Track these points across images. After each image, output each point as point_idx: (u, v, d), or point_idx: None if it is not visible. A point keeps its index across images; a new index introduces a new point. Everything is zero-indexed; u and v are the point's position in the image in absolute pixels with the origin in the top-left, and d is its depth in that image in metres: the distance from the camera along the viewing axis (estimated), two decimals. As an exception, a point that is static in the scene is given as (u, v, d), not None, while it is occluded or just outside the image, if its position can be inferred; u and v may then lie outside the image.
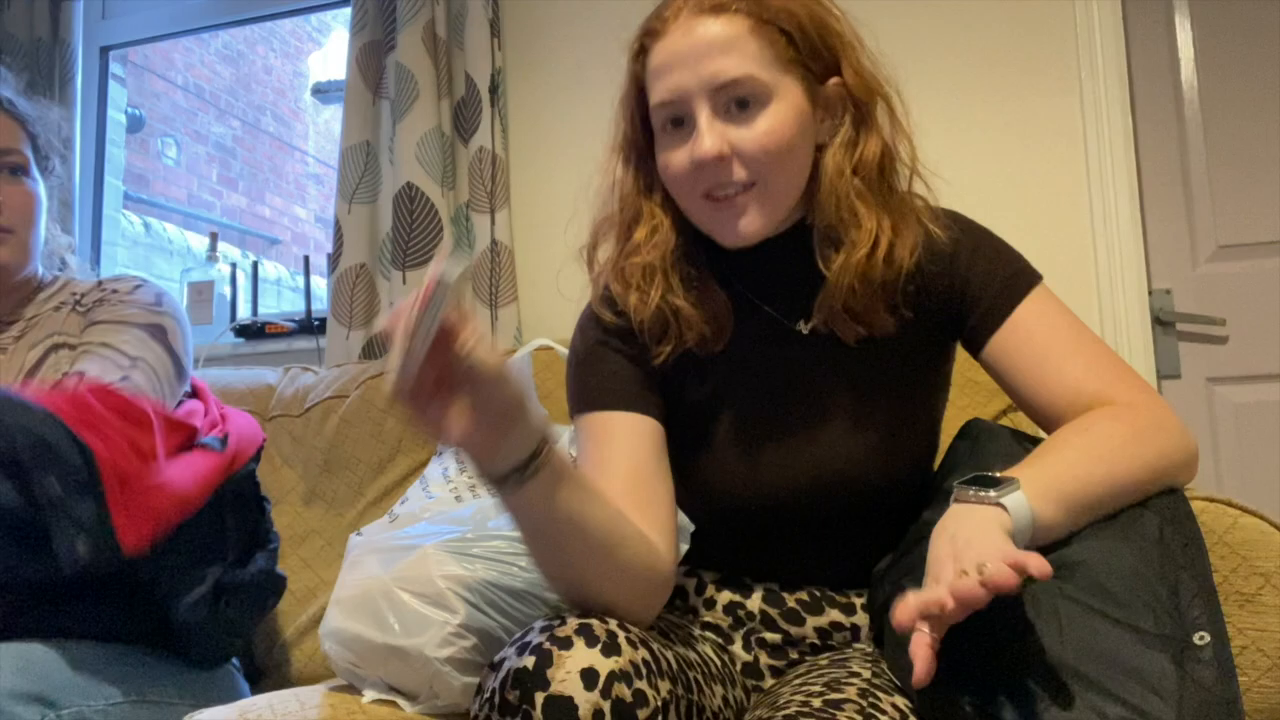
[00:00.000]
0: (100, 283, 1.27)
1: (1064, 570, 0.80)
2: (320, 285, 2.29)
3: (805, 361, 0.95)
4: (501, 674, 0.72)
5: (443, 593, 0.90)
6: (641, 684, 0.72)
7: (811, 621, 0.98)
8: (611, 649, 0.72)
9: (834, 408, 0.94)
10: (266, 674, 1.45)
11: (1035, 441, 0.90)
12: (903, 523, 0.95)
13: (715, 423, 0.97)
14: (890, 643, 0.89)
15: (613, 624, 0.75)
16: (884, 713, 0.78)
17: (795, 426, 0.95)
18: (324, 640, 0.99)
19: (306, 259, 2.33)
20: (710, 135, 0.85)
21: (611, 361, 0.95)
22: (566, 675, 0.70)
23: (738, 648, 0.99)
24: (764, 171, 0.87)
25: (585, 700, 0.69)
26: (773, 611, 0.99)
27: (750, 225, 0.89)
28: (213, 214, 5.42)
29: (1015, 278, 0.93)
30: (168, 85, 5.33)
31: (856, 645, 0.98)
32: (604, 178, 1.00)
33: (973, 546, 0.70)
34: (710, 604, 1.01)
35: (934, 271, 0.94)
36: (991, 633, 0.79)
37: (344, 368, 1.79)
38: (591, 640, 0.72)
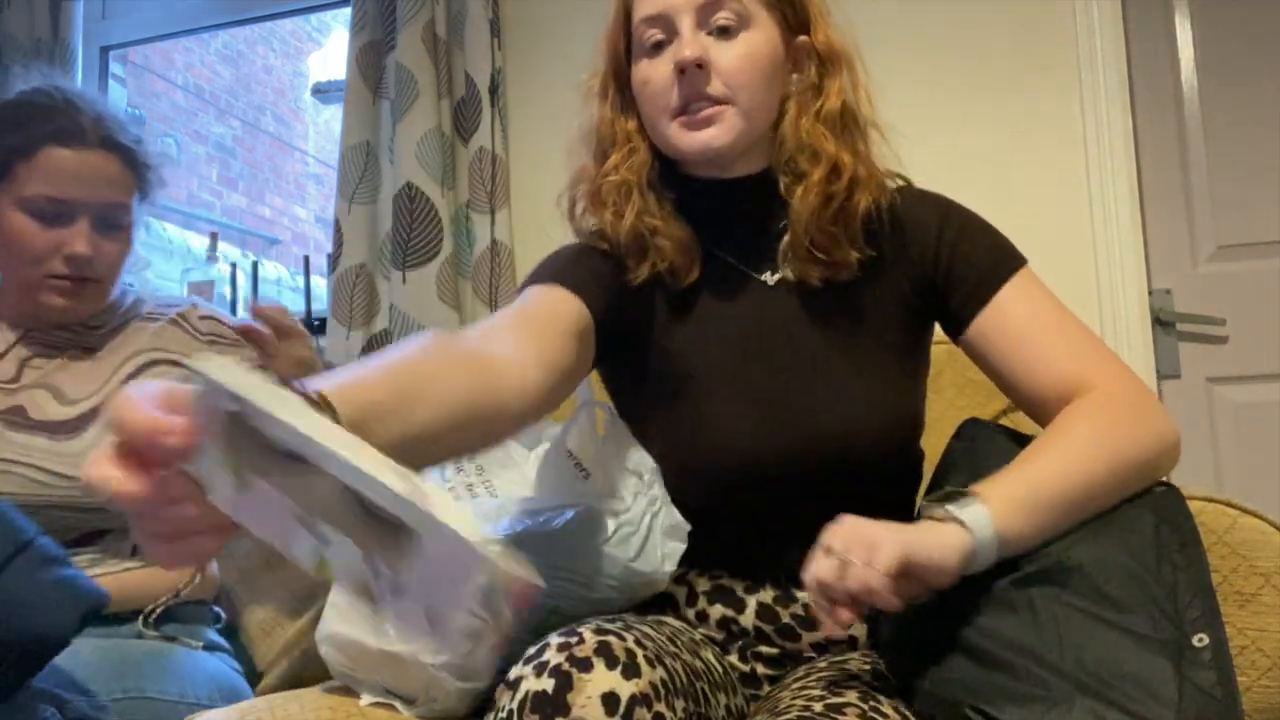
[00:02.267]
0: (195, 306, 1.31)
1: (1062, 575, 0.80)
2: (320, 285, 2.29)
3: (773, 313, 0.96)
4: (520, 695, 0.70)
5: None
6: (660, 705, 0.71)
7: (807, 638, 0.96)
8: (631, 670, 0.71)
9: (806, 361, 0.94)
10: (266, 676, 1.45)
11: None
12: (891, 510, 0.93)
13: (685, 379, 0.96)
14: (889, 644, 0.89)
15: (630, 640, 0.74)
16: (886, 716, 0.78)
17: (766, 382, 0.94)
18: (320, 643, 0.99)
19: (306, 259, 2.33)
20: (692, 43, 0.89)
21: (575, 257, 0.98)
22: (587, 700, 0.68)
23: (734, 659, 0.97)
24: (738, 92, 0.90)
25: None
26: (767, 628, 0.96)
27: (718, 137, 0.91)
28: (213, 214, 5.42)
29: (999, 261, 0.93)
30: (168, 85, 5.33)
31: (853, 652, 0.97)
32: (583, 120, 1.02)
33: (883, 545, 0.70)
34: (702, 618, 0.98)
35: (916, 241, 0.95)
36: (990, 638, 0.79)
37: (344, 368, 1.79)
38: (611, 662, 0.71)
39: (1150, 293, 1.74)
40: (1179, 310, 1.76)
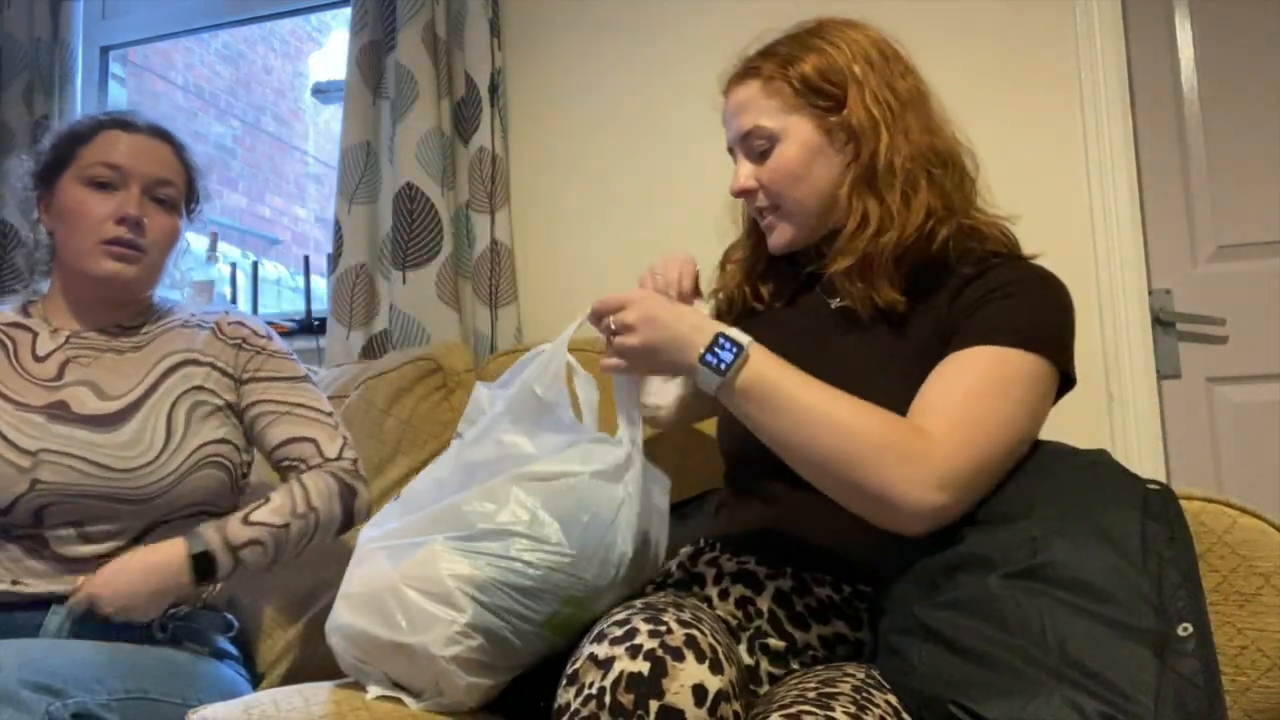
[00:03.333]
0: (228, 314, 1.38)
1: (1048, 571, 0.81)
2: (320, 285, 2.30)
3: (829, 328, 1.10)
4: (614, 674, 0.74)
5: (450, 591, 0.91)
6: (736, 704, 0.76)
7: (816, 630, 0.99)
8: (717, 666, 0.76)
9: (841, 367, 1.02)
10: (267, 677, 1.46)
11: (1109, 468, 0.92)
12: None
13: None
14: (884, 650, 0.91)
15: (709, 635, 0.78)
16: (876, 706, 0.81)
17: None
18: (330, 635, 0.99)
19: (306, 259, 2.33)
20: (741, 174, 1.11)
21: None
22: (680, 688, 0.73)
23: (742, 649, 0.99)
24: (779, 198, 1.09)
25: (695, 716, 0.72)
26: (780, 612, 1.00)
27: (779, 239, 1.12)
28: (213, 214, 5.41)
29: (1000, 329, 0.95)
30: (168, 85, 5.33)
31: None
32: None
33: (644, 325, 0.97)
34: (724, 595, 1.03)
35: (973, 295, 1.00)
36: (975, 635, 0.80)
37: (344, 368, 1.79)
38: (700, 655, 0.75)
39: (1150, 293, 1.74)
40: (1179, 310, 1.76)
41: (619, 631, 0.77)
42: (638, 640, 0.76)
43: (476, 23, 1.97)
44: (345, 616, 0.97)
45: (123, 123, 1.30)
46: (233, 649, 1.30)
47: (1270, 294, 1.72)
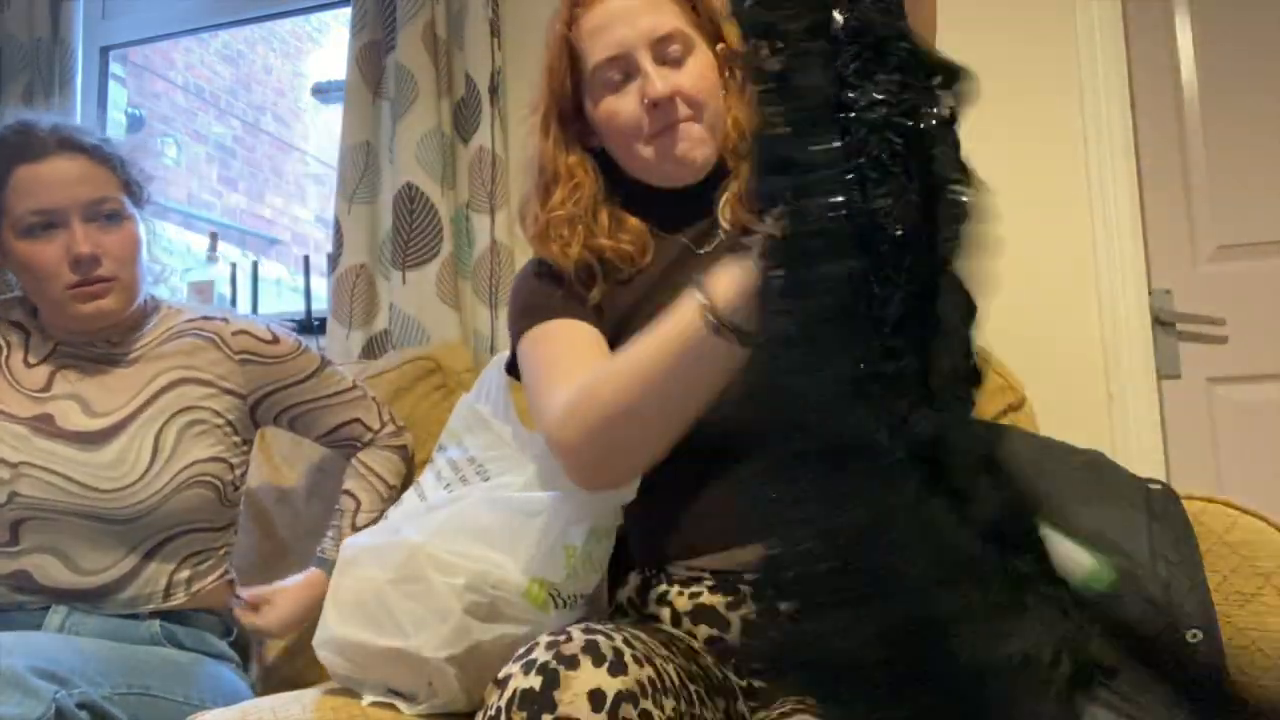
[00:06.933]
0: (227, 322, 1.32)
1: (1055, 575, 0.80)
2: (320, 285, 2.29)
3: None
4: (507, 693, 0.71)
5: (439, 592, 0.90)
6: (647, 703, 0.72)
7: None
8: (618, 668, 0.72)
9: None
10: (265, 680, 1.45)
11: (1037, 439, 0.90)
12: None
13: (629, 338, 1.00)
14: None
15: (618, 639, 0.75)
16: None
17: None
18: (319, 649, 0.99)
19: (306, 259, 2.33)
20: (659, 79, 0.99)
21: (549, 286, 1.04)
22: (574, 697, 0.69)
23: (730, 673, 0.97)
24: (702, 107, 1.01)
25: None
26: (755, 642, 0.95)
27: (701, 152, 1.01)
28: (213, 214, 5.41)
29: None
30: (168, 85, 5.33)
31: None
32: (528, 154, 1.10)
33: None
34: (690, 636, 0.98)
35: None
36: (983, 638, 0.80)
37: (343, 368, 1.79)
38: (598, 659, 0.72)
39: (1150, 293, 1.74)
40: (1179, 310, 1.76)
41: (523, 649, 0.75)
42: (533, 655, 0.72)
43: (476, 23, 1.97)
44: (334, 628, 0.97)
45: (28, 153, 1.19)
46: (231, 652, 1.30)
47: (1270, 294, 1.72)
